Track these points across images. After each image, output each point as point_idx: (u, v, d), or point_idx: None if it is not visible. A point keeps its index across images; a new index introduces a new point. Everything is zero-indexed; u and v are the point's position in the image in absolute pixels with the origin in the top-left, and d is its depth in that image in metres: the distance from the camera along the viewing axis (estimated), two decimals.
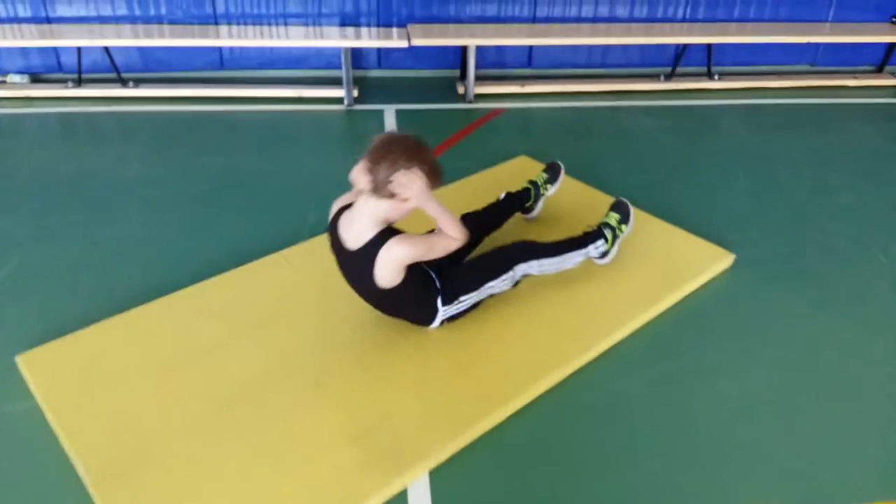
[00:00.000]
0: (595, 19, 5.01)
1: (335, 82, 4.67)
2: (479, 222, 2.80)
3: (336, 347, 2.42)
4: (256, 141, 4.08)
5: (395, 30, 4.73)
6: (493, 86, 4.76)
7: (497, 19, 4.94)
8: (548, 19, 4.97)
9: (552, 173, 3.12)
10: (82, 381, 2.29)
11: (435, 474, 2.06)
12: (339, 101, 4.59)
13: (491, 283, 2.51)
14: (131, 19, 4.69)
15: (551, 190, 3.10)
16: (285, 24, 4.79)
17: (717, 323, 2.64)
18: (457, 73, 5.05)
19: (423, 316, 2.45)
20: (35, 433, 2.17)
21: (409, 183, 2.13)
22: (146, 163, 3.79)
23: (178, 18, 4.71)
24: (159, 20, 4.71)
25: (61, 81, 4.69)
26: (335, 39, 4.50)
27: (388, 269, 2.20)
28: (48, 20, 4.64)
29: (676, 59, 5.03)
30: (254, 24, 4.75)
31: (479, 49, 4.67)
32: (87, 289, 2.78)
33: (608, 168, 3.75)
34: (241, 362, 2.36)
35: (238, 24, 4.73)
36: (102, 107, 4.48)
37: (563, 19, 4.98)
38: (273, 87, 4.68)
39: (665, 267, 2.84)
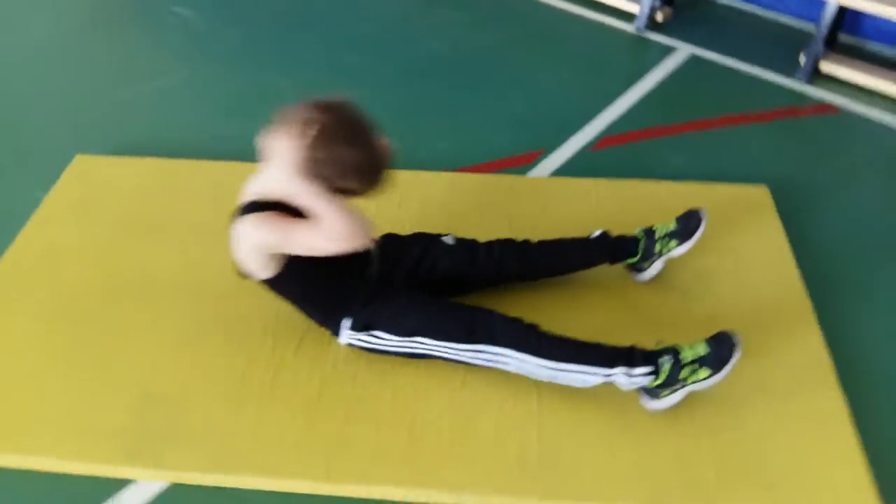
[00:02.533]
0: None
1: None
2: (524, 253, 1.93)
3: None
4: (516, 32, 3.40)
5: None
6: (859, 70, 3.13)
7: None
8: None
9: (684, 225, 1.99)
10: None
11: None
12: (630, 18, 3.53)
13: (432, 343, 1.75)
14: None
15: (678, 249, 2.00)
16: None
17: None
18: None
19: (322, 321, 1.89)
20: None
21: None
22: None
23: None
24: None
25: None
26: None
27: (246, 251, 1.72)
28: None
29: None
30: None
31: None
32: None
33: None
34: None
35: None
36: None
37: None
38: None
39: None
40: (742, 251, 2.26)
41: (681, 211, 2.11)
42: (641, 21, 3.46)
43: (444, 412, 1.81)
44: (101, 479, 1.75)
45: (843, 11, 3.15)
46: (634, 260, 2.04)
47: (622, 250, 2.03)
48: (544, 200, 2.42)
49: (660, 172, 2.60)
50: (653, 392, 1.75)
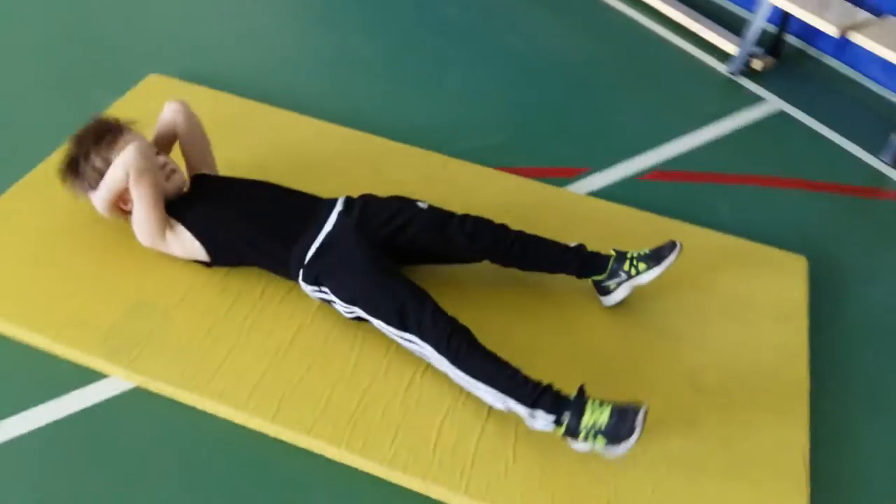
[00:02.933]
0: None
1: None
2: (495, 234, 1.99)
3: None
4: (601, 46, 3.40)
5: (847, 6, 3.16)
6: None
7: None
8: None
9: (658, 251, 1.99)
10: None
11: None
12: (727, 58, 3.41)
13: (370, 318, 1.84)
14: None
15: (646, 275, 1.97)
16: None
17: None
18: None
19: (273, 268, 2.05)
20: None
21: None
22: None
23: None
24: None
25: None
26: None
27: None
28: None
29: None
30: None
31: None
32: None
33: None
34: None
35: None
36: None
37: None
38: (673, 4, 3.66)
39: None
40: (753, 310, 2.20)
41: (700, 257, 2.06)
42: (736, 64, 3.35)
43: (400, 390, 1.86)
44: (81, 368, 1.90)
45: None
46: (601, 277, 2.03)
47: (590, 265, 2.02)
48: (566, 216, 2.41)
49: (702, 219, 2.52)
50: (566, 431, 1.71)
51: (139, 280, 2.06)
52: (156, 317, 1.96)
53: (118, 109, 2.56)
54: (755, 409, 1.94)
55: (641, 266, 1.98)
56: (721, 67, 3.39)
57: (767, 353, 2.08)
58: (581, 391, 1.71)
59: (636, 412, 1.65)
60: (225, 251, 2.02)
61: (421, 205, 2.02)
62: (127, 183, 1.94)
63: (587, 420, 1.66)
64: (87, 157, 2.01)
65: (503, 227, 2.01)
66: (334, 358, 1.91)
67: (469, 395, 1.84)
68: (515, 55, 3.33)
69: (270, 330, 1.96)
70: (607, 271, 2.01)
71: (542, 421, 1.70)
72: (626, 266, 1.99)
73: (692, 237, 2.35)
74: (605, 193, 2.61)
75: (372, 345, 1.94)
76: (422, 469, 1.72)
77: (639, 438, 1.63)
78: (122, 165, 1.93)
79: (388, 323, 1.80)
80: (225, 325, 1.97)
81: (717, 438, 1.86)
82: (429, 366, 1.89)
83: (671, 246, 1.99)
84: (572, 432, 1.68)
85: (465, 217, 2.00)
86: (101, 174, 1.98)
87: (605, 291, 2.06)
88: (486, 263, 2.07)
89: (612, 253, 2.04)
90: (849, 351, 2.20)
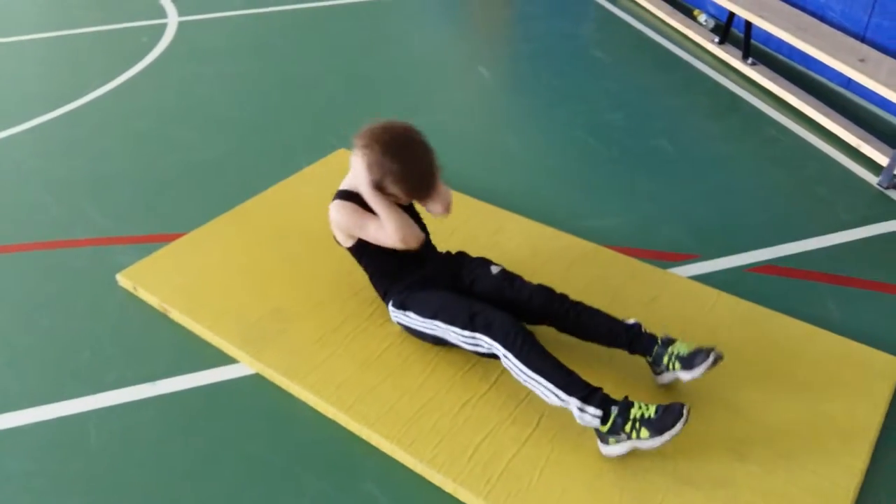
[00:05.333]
0: None
1: None
2: (551, 302, 2.22)
3: None
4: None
5: None
6: None
7: None
8: None
9: (694, 354, 2.05)
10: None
11: None
12: (878, 169, 3.38)
13: (444, 326, 2.15)
14: None
15: (682, 374, 2.05)
16: None
17: None
18: None
19: (380, 290, 2.42)
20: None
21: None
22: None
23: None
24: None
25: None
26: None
27: (332, 225, 2.34)
28: None
29: None
30: None
31: None
32: None
33: None
34: None
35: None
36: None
37: None
38: (830, 115, 3.71)
39: None
40: (825, 399, 2.19)
41: (776, 353, 2.14)
42: (886, 177, 3.29)
43: (454, 409, 2.15)
44: (221, 352, 2.43)
45: None
46: (649, 359, 2.15)
47: (640, 345, 2.14)
48: (655, 292, 2.57)
49: (805, 314, 2.53)
50: (603, 437, 1.92)
51: (283, 291, 2.59)
52: (283, 322, 2.46)
53: (304, 174, 3.23)
54: (795, 486, 1.94)
55: (678, 365, 2.08)
56: (872, 179, 3.36)
57: (829, 438, 2.07)
58: (626, 398, 1.94)
59: (681, 406, 1.88)
60: (370, 261, 2.39)
61: (493, 269, 2.33)
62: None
63: (634, 413, 1.90)
64: (396, 182, 2.17)
65: (561, 296, 2.23)
66: (408, 374, 2.26)
67: (514, 420, 2.08)
68: (662, 149, 3.58)
69: (365, 344, 2.36)
70: (653, 356, 2.14)
71: (590, 415, 1.92)
72: (666, 361, 2.11)
73: (778, 328, 2.43)
74: (706, 279, 2.73)
75: (442, 370, 2.26)
76: (454, 473, 1.97)
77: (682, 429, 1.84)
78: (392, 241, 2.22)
79: (460, 326, 2.11)
80: (332, 336, 2.40)
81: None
82: (484, 393, 2.16)
83: (708, 352, 2.04)
84: (617, 428, 1.89)
85: (526, 284, 2.26)
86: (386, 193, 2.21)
87: (656, 372, 2.18)
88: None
89: (660, 337, 2.16)
90: None
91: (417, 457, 2.02)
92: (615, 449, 1.93)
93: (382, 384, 2.23)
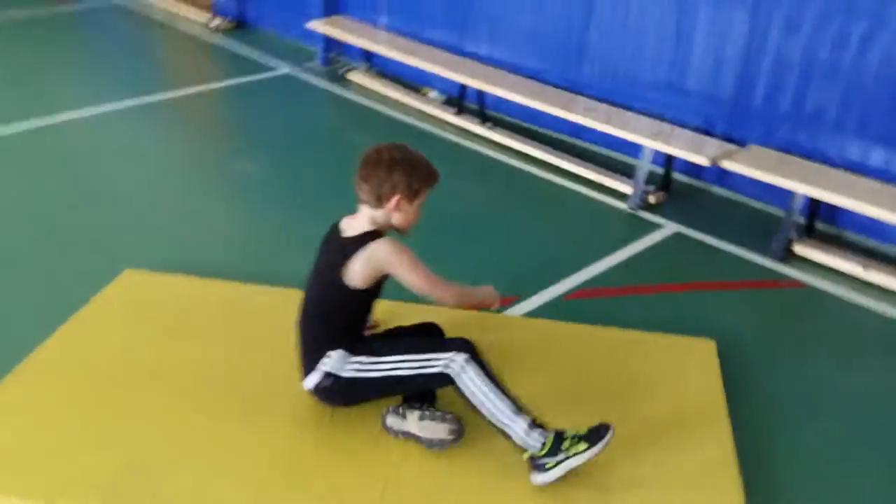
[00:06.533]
0: None
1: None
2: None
3: None
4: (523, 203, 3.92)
5: (717, 143, 3.85)
6: (826, 253, 3.45)
7: (872, 172, 3.55)
8: None
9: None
10: None
11: None
12: (622, 196, 4.00)
13: (399, 357, 2.17)
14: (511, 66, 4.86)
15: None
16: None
17: None
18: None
19: (330, 345, 2.25)
20: None
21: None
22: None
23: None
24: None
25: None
26: (634, 133, 3.92)
27: (365, 266, 2.17)
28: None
29: None
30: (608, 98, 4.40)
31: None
32: None
33: None
34: None
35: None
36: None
37: None
38: (571, 160, 4.31)
39: None
40: (670, 382, 2.54)
41: (620, 353, 2.41)
42: (634, 201, 3.90)
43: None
44: None
45: (815, 203, 3.53)
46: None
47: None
48: (501, 334, 2.74)
49: (620, 324, 2.87)
50: (539, 465, 2.04)
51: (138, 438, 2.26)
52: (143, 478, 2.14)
53: (96, 304, 2.84)
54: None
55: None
56: (621, 205, 3.94)
57: (692, 419, 2.39)
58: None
59: (606, 425, 2.09)
60: (346, 313, 2.29)
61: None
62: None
63: (569, 433, 2.07)
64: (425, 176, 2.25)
65: None
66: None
67: None
68: (456, 217, 3.73)
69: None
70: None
71: (536, 435, 2.04)
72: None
73: (603, 337, 2.75)
74: (535, 314, 2.97)
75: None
76: None
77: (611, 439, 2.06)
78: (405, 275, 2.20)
79: (419, 352, 2.14)
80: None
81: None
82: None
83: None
84: (555, 449, 2.03)
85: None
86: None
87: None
88: None
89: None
90: (766, 412, 2.54)
91: None
92: (552, 473, 2.02)
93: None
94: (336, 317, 2.26)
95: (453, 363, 2.09)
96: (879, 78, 3.48)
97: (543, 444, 2.03)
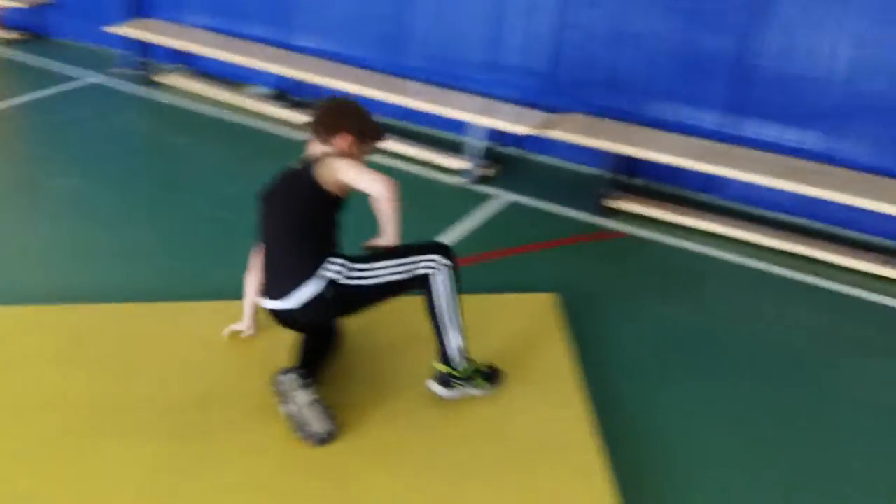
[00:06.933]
0: (819, 156, 3.74)
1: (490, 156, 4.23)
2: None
3: None
4: None
5: (538, 114, 4.12)
6: (641, 203, 3.86)
7: (673, 127, 4.00)
8: (746, 140, 3.87)
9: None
10: None
11: None
12: (462, 173, 4.20)
13: (391, 262, 2.36)
14: (333, 55, 4.90)
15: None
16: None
17: None
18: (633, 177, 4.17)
19: (327, 249, 2.39)
20: None
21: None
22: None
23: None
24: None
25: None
26: (461, 110, 4.12)
27: (332, 174, 2.36)
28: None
29: None
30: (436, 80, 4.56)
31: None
32: None
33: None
34: None
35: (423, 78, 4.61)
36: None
37: (769, 145, 3.82)
38: (405, 141, 4.43)
39: None
40: (519, 334, 2.76)
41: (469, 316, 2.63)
42: (469, 175, 4.11)
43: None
44: None
45: (628, 160, 3.90)
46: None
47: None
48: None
49: (469, 291, 3.02)
50: (446, 381, 2.36)
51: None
52: None
53: None
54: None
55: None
56: (457, 181, 4.14)
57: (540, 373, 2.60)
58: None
59: (502, 371, 2.49)
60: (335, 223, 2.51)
61: None
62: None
63: (481, 368, 2.44)
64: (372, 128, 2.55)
65: None
66: None
67: None
68: None
69: None
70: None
71: (460, 358, 2.36)
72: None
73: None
74: None
75: None
76: None
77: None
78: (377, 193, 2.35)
79: (419, 252, 2.37)
80: None
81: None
82: None
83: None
84: (467, 375, 2.38)
85: None
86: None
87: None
88: None
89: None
90: (616, 354, 2.81)
91: None
92: (453, 393, 2.37)
93: None
94: (326, 225, 2.43)
95: (435, 262, 2.35)
96: (681, 44, 3.90)
97: (465, 369, 2.36)
